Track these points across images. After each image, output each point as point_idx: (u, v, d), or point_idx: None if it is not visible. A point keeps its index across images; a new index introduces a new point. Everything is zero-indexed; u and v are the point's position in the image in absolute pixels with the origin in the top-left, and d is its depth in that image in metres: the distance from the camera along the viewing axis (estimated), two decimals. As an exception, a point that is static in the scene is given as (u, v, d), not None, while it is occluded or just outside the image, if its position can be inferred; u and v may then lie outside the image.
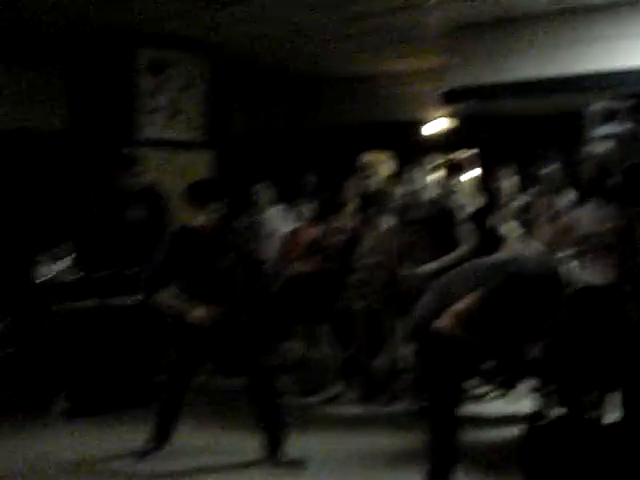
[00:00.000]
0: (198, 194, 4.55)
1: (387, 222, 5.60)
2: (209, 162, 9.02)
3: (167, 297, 4.49)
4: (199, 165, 8.83)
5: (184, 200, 4.59)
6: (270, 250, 6.52)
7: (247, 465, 4.53)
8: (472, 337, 3.11)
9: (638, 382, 4.15)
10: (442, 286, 3.35)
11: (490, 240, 5.19)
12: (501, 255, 4.05)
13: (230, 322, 4.53)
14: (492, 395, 5.82)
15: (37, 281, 5.78)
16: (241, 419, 5.05)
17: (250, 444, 4.66)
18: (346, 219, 6.51)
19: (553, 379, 4.86)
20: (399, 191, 5.93)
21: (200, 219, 4.52)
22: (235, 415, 5.33)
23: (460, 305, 3.12)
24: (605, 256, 4.19)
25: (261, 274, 5.07)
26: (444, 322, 3.11)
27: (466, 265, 3.88)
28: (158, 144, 8.54)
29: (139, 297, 5.68)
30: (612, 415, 4.33)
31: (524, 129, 9.26)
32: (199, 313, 4.41)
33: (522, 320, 3.16)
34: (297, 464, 4.45)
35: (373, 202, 5.68)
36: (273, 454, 4.54)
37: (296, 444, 4.58)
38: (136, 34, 8.18)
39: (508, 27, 8.02)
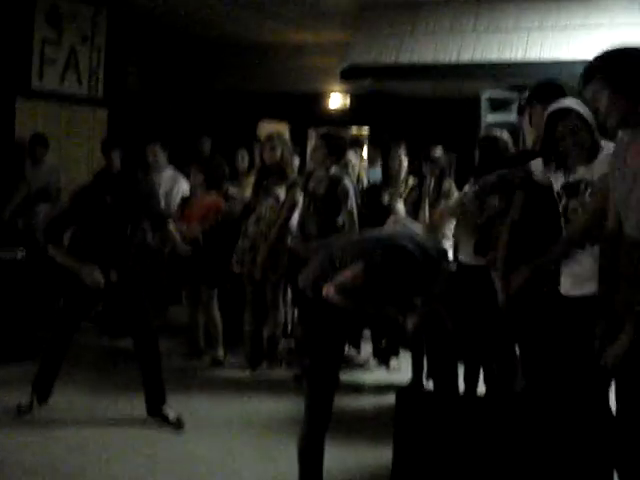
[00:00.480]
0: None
1: (283, 193, 5.66)
2: (102, 118, 8.86)
3: (63, 251, 4.49)
4: (91, 120, 8.66)
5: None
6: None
7: (127, 423, 4.55)
8: (353, 306, 3.25)
9: (497, 359, 4.44)
10: (328, 255, 3.47)
11: (381, 217, 5.36)
12: (385, 230, 4.22)
13: (121, 282, 4.54)
14: (375, 364, 6.04)
15: None
16: (124, 378, 5.08)
17: (130, 403, 4.71)
18: (244, 187, 6.54)
19: (425, 351, 5.13)
20: (296, 163, 6.00)
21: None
22: (118, 375, 5.33)
23: (344, 275, 3.25)
24: (479, 237, 4.45)
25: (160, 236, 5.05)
26: (327, 290, 3.24)
27: (353, 237, 4.02)
28: (51, 96, 8.31)
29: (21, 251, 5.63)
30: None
31: (419, 111, 9.52)
32: (93, 273, 4.41)
33: (400, 293, 3.32)
34: (176, 424, 4.51)
35: (272, 172, 5.71)
36: (153, 414, 4.59)
37: (178, 406, 4.63)
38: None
39: (410, 10, 8.18)
